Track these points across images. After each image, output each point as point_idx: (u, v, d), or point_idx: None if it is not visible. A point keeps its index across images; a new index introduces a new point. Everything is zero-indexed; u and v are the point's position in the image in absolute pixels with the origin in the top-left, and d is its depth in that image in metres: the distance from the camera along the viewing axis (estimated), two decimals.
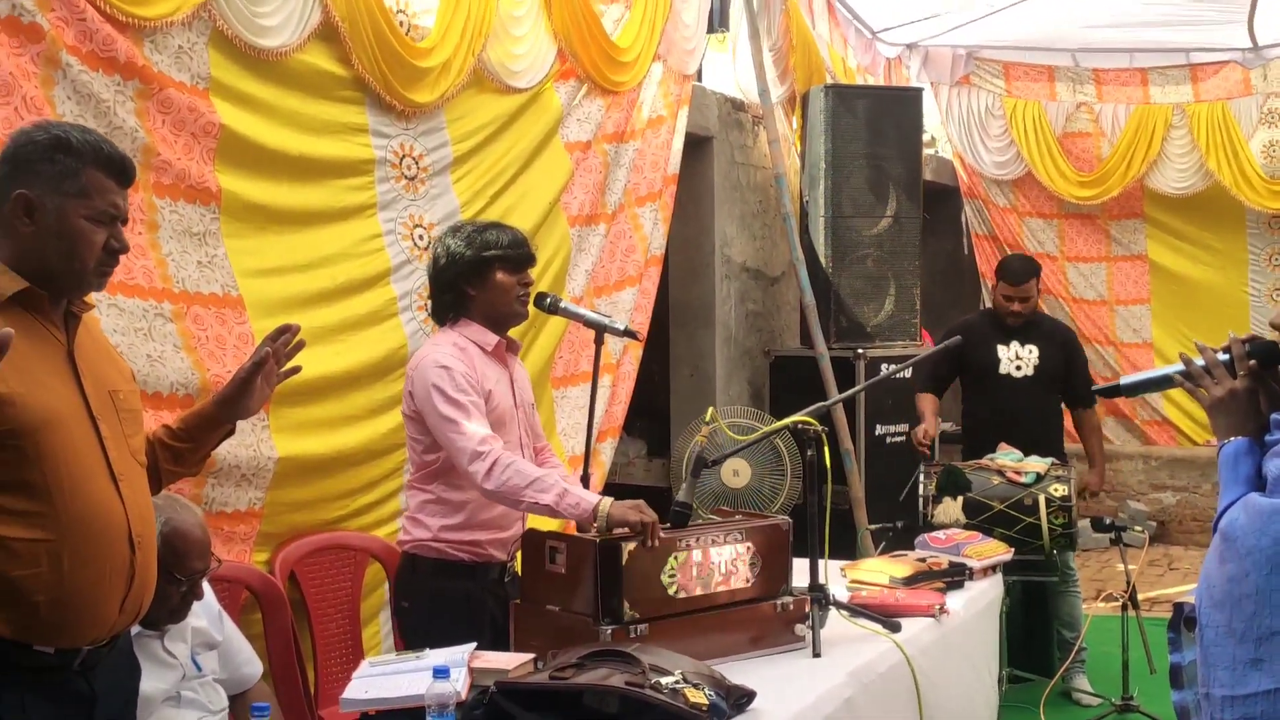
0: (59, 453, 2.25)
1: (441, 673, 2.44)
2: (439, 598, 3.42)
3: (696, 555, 3.07)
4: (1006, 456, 5.33)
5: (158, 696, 2.97)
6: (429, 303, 3.68)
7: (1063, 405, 5.95)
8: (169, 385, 3.70)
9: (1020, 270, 5.87)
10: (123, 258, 2.48)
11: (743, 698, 2.70)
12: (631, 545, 2.96)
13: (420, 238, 4.68)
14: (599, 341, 3.72)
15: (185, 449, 2.68)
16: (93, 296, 2.51)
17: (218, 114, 3.99)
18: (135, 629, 2.74)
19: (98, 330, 2.61)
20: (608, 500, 3.11)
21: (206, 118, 3.96)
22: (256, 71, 4.14)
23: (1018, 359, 5.79)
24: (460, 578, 3.43)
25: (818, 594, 3.23)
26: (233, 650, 3.35)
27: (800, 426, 3.38)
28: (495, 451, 3.23)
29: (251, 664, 3.43)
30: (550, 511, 3.20)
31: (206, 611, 3.23)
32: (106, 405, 2.39)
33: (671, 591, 3.03)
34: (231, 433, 2.74)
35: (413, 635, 3.43)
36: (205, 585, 3.14)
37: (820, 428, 3.34)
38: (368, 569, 4.47)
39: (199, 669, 3.15)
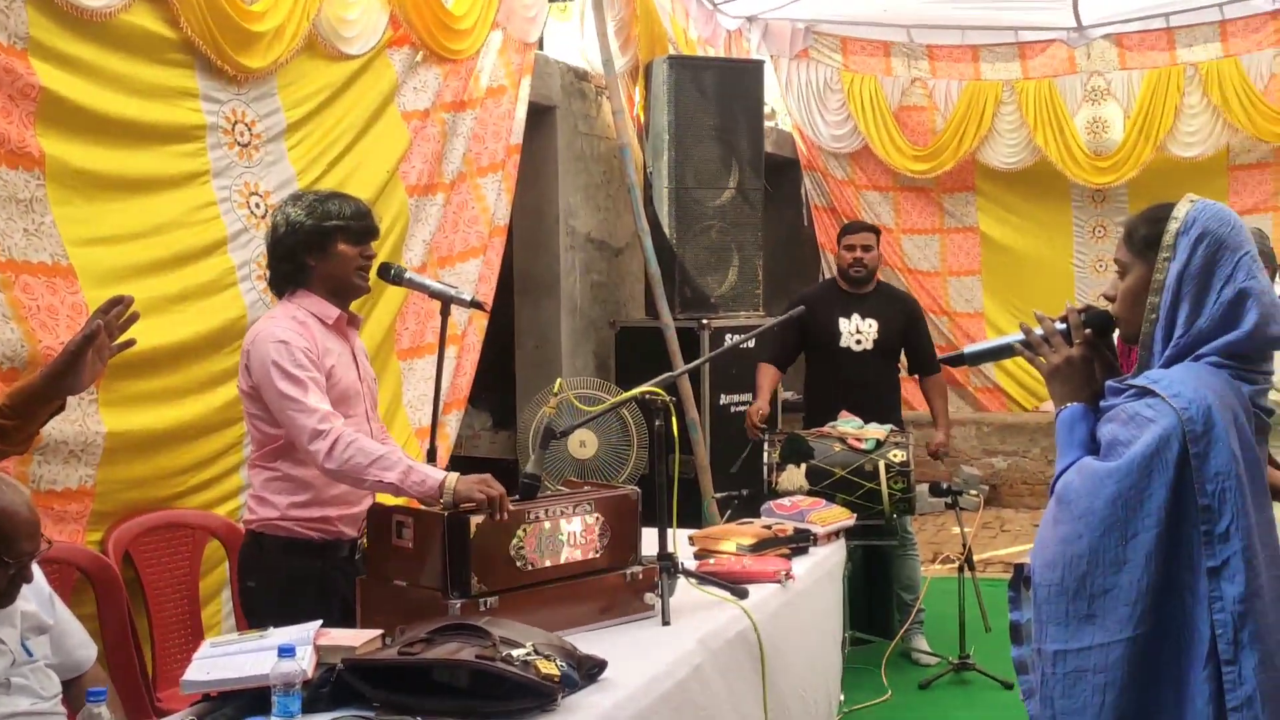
0: None
1: (287, 651, 2.38)
2: (288, 577, 3.34)
3: (545, 527, 3.06)
4: (847, 424, 5.44)
5: None
6: (267, 273, 3.58)
7: (900, 374, 6.11)
8: None
9: (857, 224, 6.20)
10: None
11: (594, 667, 2.71)
12: (479, 518, 2.93)
13: (256, 205, 4.56)
14: (445, 313, 3.67)
15: (11, 426, 2.58)
16: None
17: (37, 75, 3.81)
18: None
19: None
20: (454, 476, 3.07)
21: (25, 79, 3.78)
22: (79, 32, 3.97)
23: (858, 333, 5.91)
24: (310, 556, 3.36)
25: (666, 563, 3.25)
26: (65, 634, 3.21)
27: (648, 397, 3.39)
28: (336, 429, 3.15)
29: (85, 647, 3.30)
30: (395, 490, 3.14)
31: (36, 595, 3.09)
32: None
33: (520, 564, 3.01)
34: (61, 409, 2.64)
35: (258, 615, 3.33)
36: (35, 568, 3.01)
37: (668, 398, 3.35)
38: (206, 547, 4.35)
39: (29, 654, 3.01)
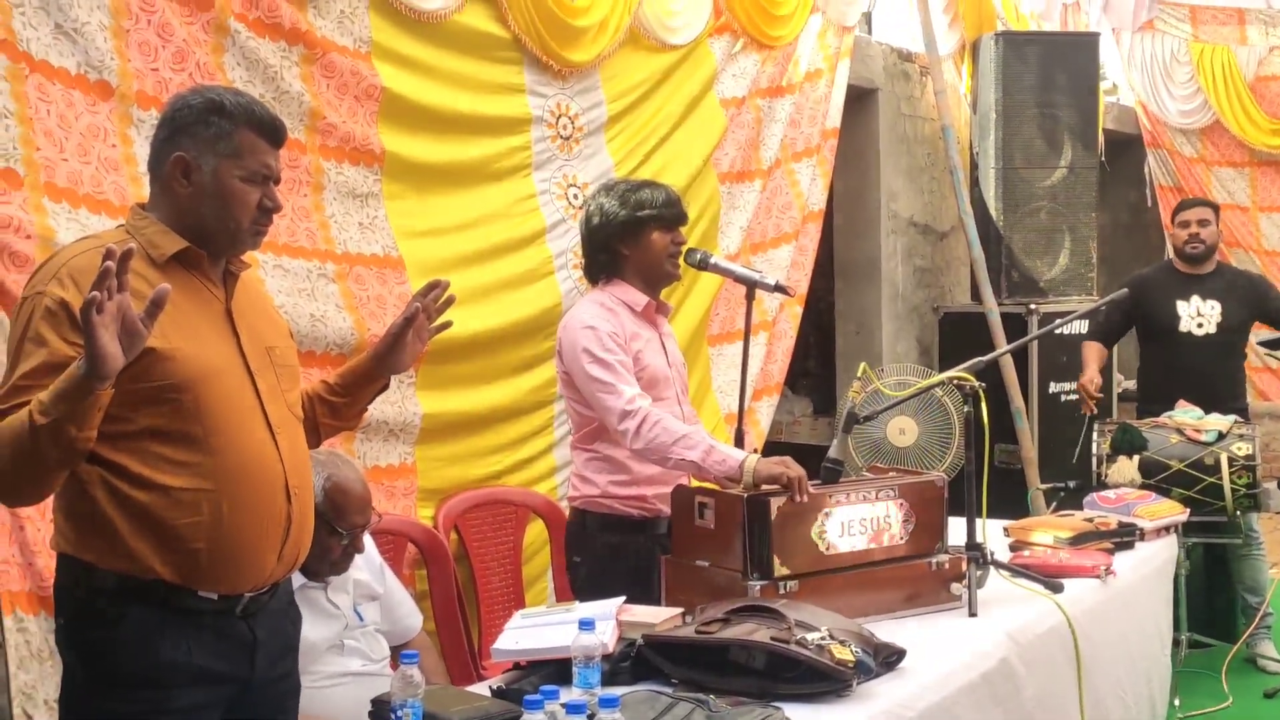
0: (217, 405, 2.32)
1: (587, 625, 2.45)
2: (610, 553, 3.44)
3: (848, 511, 3.03)
4: (1185, 415, 5.12)
5: (322, 645, 3.06)
6: (582, 261, 3.69)
7: (1245, 362, 5.69)
8: (324, 344, 3.81)
9: (1192, 199, 5.85)
10: (288, 220, 2.54)
11: (892, 655, 2.66)
12: (780, 501, 2.93)
13: (574, 197, 4.72)
14: (750, 297, 3.68)
15: (342, 404, 2.74)
16: (258, 258, 2.58)
17: (379, 77, 4.08)
18: (299, 581, 2.83)
19: (256, 289, 2.68)
20: (754, 457, 3.08)
21: (369, 80, 4.05)
22: (416, 34, 4.22)
23: (1199, 315, 5.54)
24: (630, 533, 3.44)
25: (975, 552, 3.15)
26: (394, 602, 3.44)
27: (957, 383, 3.30)
28: (643, 410, 3.22)
29: (413, 616, 3.52)
30: (696, 468, 3.18)
31: (368, 564, 3.32)
32: (263, 360, 2.46)
33: (822, 548, 2.99)
34: (386, 387, 2.79)
35: (585, 590, 3.44)
36: (367, 539, 3.23)
37: (978, 383, 3.25)
38: (529, 524, 4.54)
39: (361, 619, 3.24)
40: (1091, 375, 5.51)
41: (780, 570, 2.90)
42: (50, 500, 2.30)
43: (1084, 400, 5.51)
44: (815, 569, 2.97)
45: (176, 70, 3.53)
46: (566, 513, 3.74)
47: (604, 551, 3.46)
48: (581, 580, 3.53)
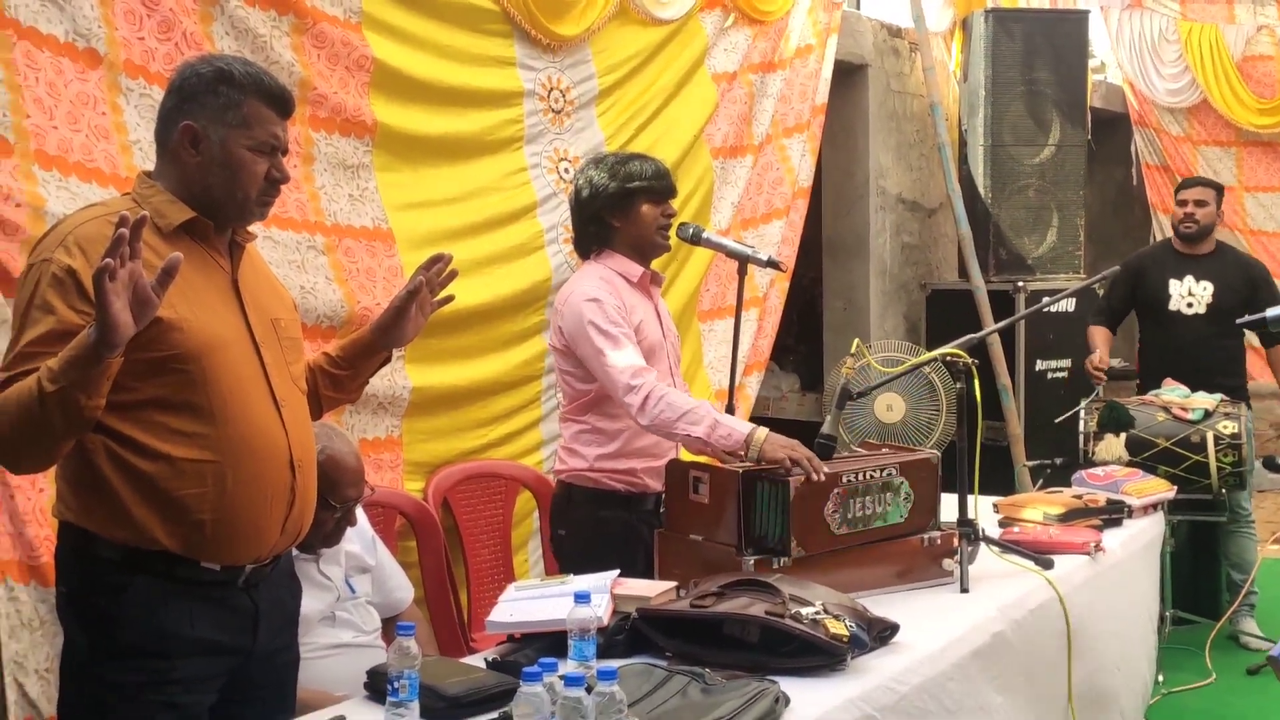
0: (223, 377, 2.32)
1: (583, 598, 2.45)
2: (596, 526, 3.44)
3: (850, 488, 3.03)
4: (1172, 393, 5.14)
5: (314, 616, 3.06)
6: (573, 235, 3.69)
7: (1243, 343, 5.72)
8: (315, 316, 3.80)
9: (1195, 179, 5.85)
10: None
11: (885, 630, 2.67)
12: (799, 479, 2.92)
13: (565, 171, 4.70)
14: (742, 273, 3.68)
15: (345, 376, 2.74)
16: (253, 227, 2.57)
17: (370, 47, 4.05)
18: (293, 552, 2.82)
19: (261, 261, 2.67)
20: (762, 431, 3.07)
21: (360, 51, 4.02)
22: (406, 5, 4.20)
23: (1189, 295, 5.57)
24: (616, 507, 3.44)
25: (966, 529, 3.16)
26: (385, 575, 3.44)
27: (949, 359, 3.30)
28: (649, 384, 3.21)
29: (404, 589, 3.52)
30: (701, 444, 3.18)
31: (360, 537, 3.32)
32: (269, 332, 2.46)
33: (833, 527, 2.99)
34: (388, 360, 2.79)
35: (569, 563, 3.46)
36: (359, 512, 3.23)
37: (969, 360, 3.25)
38: (518, 497, 4.54)
39: (353, 591, 3.24)
40: (1102, 355, 5.53)
41: (797, 551, 2.90)
42: (42, 469, 2.30)
43: (1090, 373, 5.52)
44: (827, 548, 2.97)
45: (162, 39, 3.49)
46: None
47: (588, 525, 3.46)
48: (565, 553, 3.54)
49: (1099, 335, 5.73)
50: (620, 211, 3.46)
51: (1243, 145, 9.80)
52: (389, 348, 2.74)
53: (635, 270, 3.48)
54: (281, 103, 2.41)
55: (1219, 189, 5.75)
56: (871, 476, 3.07)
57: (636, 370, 3.24)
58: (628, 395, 3.22)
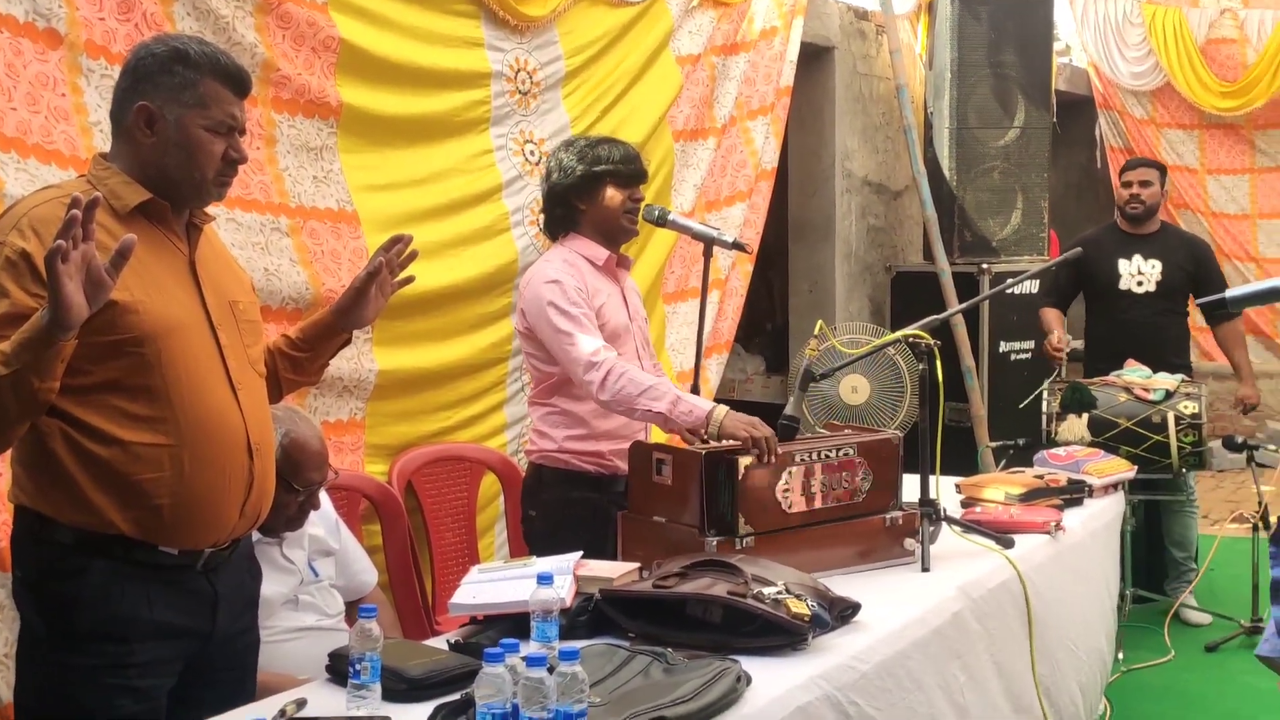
0: (179, 360, 2.31)
1: (545, 579, 2.46)
2: (566, 508, 3.45)
3: (808, 469, 3.04)
4: (1134, 373, 5.19)
5: (277, 600, 3.06)
6: (541, 217, 3.69)
7: (1188, 321, 5.79)
8: (280, 299, 3.78)
9: (1138, 159, 5.95)
10: (241, 173, 2.51)
11: (847, 609, 2.68)
12: (748, 459, 2.93)
13: (531, 153, 4.69)
14: (707, 255, 3.69)
15: (304, 358, 2.73)
16: (212, 210, 2.56)
17: (337, 28, 4.02)
18: (255, 536, 2.82)
19: (219, 242, 2.66)
20: (722, 409, 3.09)
21: (326, 32, 3.99)
22: None
23: (1139, 274, 5.63)
24: (586, 488, 3.45)
25: (928, 509, 3.19)
26: (349, 559, 3.44)
27: (912, 340, 3.32)
28: (609, 361, 3.23)
29: (367, 573, 3.52)
30: (663, 419, 3.19)
31: (323, 520, 3.31)
32: (226, 315, 2.45)
33: (785, 506, 3.00)
34: (348, 342, 2.78)
35: (539, 544, 3.46)
36: (323, 495, 3.22)
37: (932, 341, 3.27)
38: (483, 480, 4.54)
39: (316, 575, 3.24)
40: (1060, 335, 5.57)
41: (744, 529, 2.92)
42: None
43: (1051, 354, 5.57)
44: (777, 527, 2.99)
45: (122, 20, 3.46)
46: (523, 468, 3.73)
47: (558, 506, 3.47)
48: (535, 534, 3.55)
49: (1052, 316, 5.78)
50: (586, 195, 3.46)
51: (1205, 128, 9.89)
52: (349, 329, 2.73)
53: (601, 254, 3.48)
54: (238, 82, 2.40)
55: (1163, 169, 5.85)
56: (827, 456, 3.08)
57: (596, 349, 3.25)
58: (588, 373, 3.23)
